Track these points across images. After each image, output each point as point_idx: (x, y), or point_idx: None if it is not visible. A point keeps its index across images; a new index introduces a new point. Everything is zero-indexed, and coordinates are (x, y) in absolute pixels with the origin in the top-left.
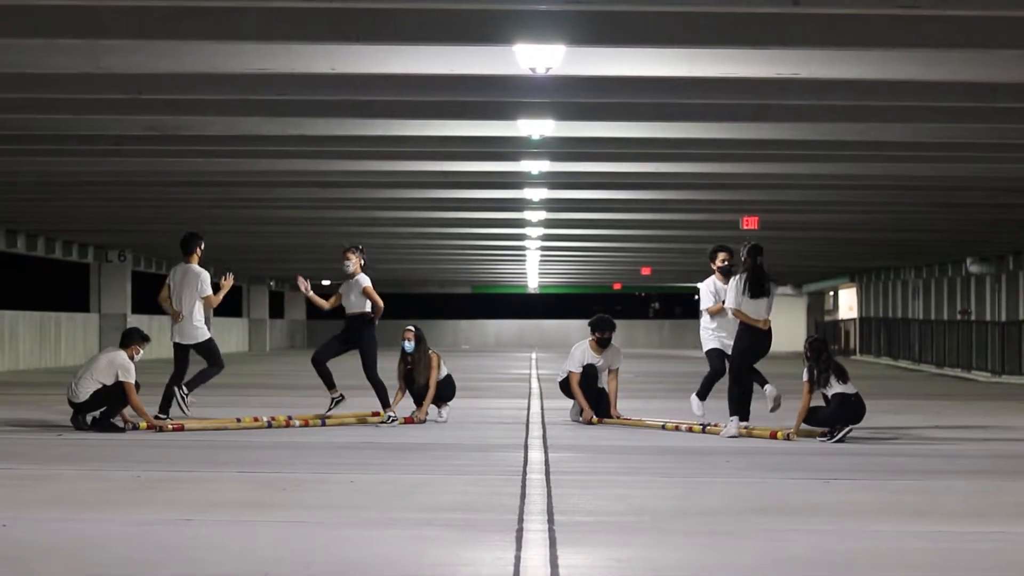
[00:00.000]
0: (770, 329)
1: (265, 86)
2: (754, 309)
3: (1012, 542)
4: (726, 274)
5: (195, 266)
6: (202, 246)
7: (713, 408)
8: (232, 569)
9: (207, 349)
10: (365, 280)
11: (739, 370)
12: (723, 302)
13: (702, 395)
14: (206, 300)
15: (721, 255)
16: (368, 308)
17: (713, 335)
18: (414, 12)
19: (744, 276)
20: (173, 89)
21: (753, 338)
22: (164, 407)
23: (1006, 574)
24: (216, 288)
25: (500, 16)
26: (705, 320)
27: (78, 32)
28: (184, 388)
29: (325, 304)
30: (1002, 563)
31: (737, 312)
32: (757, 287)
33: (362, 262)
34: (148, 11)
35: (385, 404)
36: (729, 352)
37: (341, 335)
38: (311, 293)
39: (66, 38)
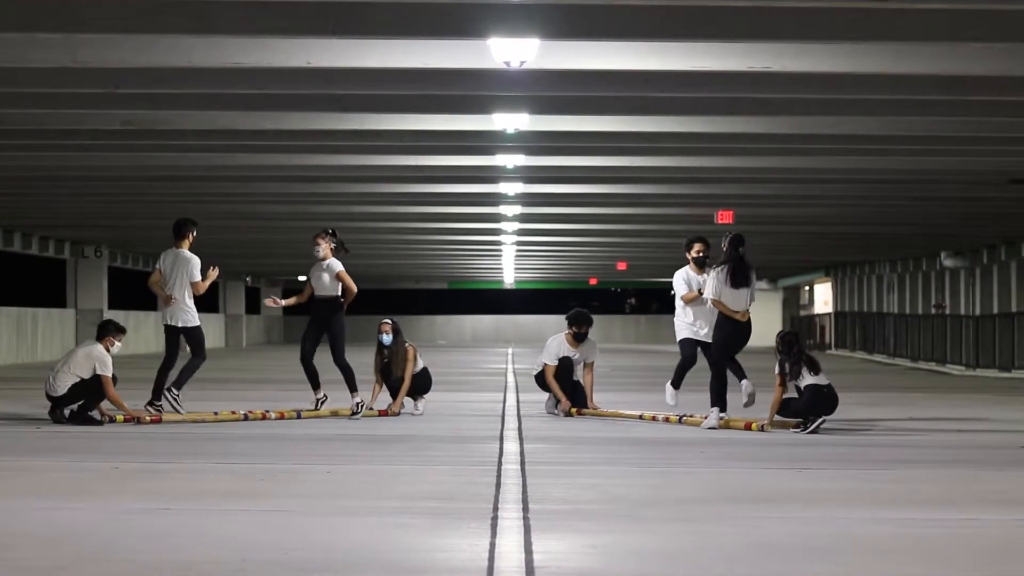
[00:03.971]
0: (750, 321)
1: (241, 80)
2: (734, 300)
3: (981, 527)
4: (701, 264)
5: (186, 251)
6: (194, 232)
7: (691, 400)
8: (210, 555)
9: (194, 336)
10: (338, 265)
11: (719, 361)
12: (699, 291)
13: (676, 384)
14: (193, 286)
15: (697, 245)
16: (339, 292)
17: (687, 326)
18: (389, 6)
19: (726, 266)
20: (149, 83)
21: (732, 329)
22: (157, 393)
23: (974, 558)
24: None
25: (474, 9)
26: (679, 310)
27: (55, 26)
28: (174, 389)
29: (302, 299)
30: (971, 548)
31: (716, 303)
32: (739, 276)
33: (332, 246)
34: (125, 5)
35: (353, 388)
36: (701, 341)
37: (313, 322)
38: (283, 302)
39: (42, 31)
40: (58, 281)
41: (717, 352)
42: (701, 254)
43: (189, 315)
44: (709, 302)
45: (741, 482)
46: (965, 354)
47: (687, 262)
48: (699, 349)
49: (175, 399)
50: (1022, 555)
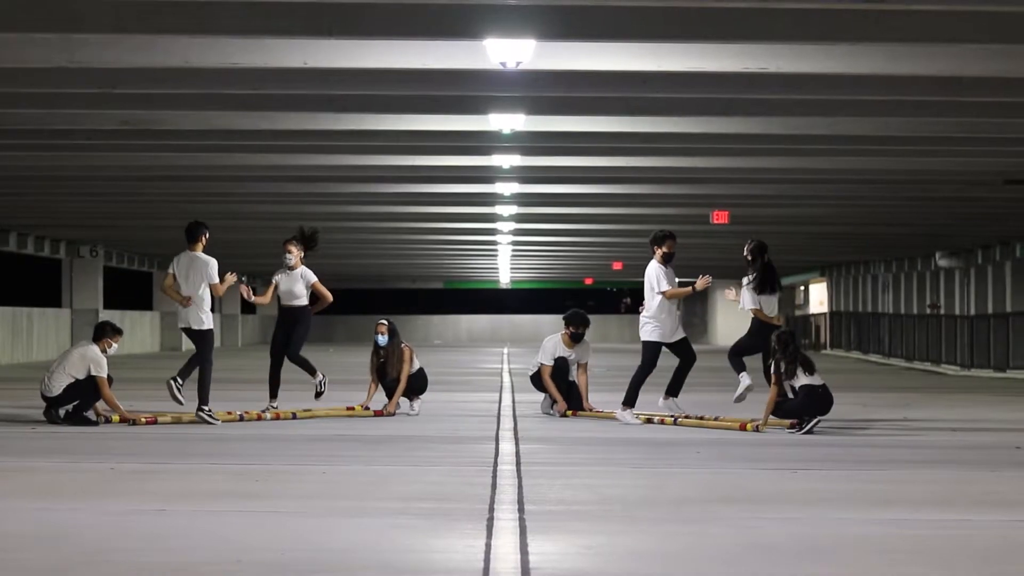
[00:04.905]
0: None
1: (238, 80)
2: (769, 307)
3: (976, 528)
4: (668, 261)
5: (201, 254)
6: (207, 235)
7: (690, 401)
8: (206, 556)
9: (203, 339)
10: (312, 275)
11: (744, 348)
12: (693, 287)
13: (632, 401)
14: (212, 288)
15: (669, 242)
16: (308, 301)
17: (655, 327)
18: (386, 7)
19: (759, 276)
20: (146, 83)
21: (763, 335)
22: (204, 398)
23: (970, 559)
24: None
25: (470, 10)
26: (656, 307)
27: (52, 26)
28: (178, 379)
29: (265, 300)
30: (966, 549)
31: (758, 312)
32: (772, 284)
33: (303, 255)
34: (122, 5)
35: (313, 372)
36: (666, 342)
37: (281, 327)
38: (250, 297)
39: (40, 32)
40: (54, 281)
41: (745, 344)
42: (672, 250)
43: (203, 317)
44: (750, 311)
45: (736, 483)
46: (960, 354)
47: (653, 255)
48: (659, 353)
49: (179, 388)
50: (1018, 556)
